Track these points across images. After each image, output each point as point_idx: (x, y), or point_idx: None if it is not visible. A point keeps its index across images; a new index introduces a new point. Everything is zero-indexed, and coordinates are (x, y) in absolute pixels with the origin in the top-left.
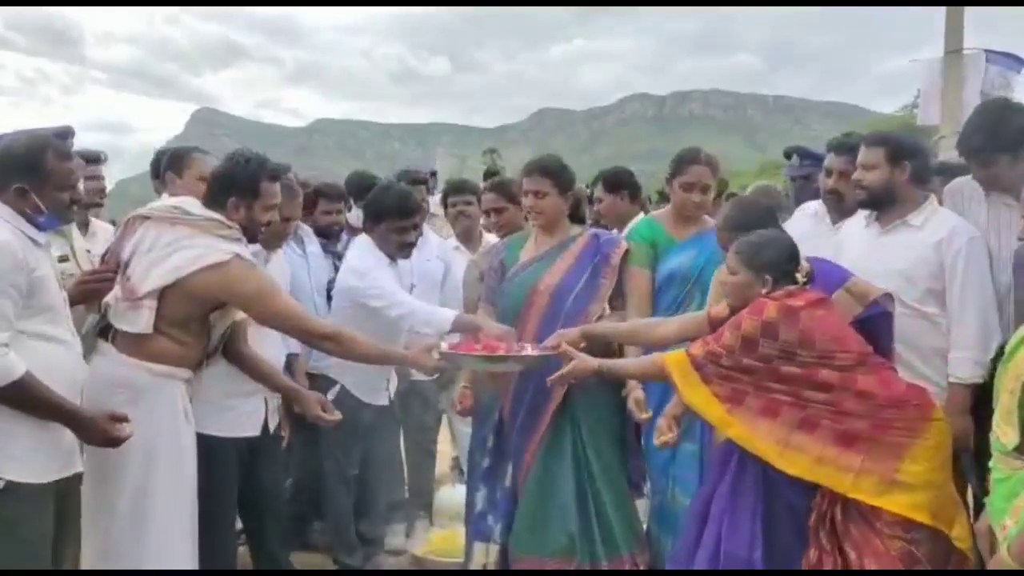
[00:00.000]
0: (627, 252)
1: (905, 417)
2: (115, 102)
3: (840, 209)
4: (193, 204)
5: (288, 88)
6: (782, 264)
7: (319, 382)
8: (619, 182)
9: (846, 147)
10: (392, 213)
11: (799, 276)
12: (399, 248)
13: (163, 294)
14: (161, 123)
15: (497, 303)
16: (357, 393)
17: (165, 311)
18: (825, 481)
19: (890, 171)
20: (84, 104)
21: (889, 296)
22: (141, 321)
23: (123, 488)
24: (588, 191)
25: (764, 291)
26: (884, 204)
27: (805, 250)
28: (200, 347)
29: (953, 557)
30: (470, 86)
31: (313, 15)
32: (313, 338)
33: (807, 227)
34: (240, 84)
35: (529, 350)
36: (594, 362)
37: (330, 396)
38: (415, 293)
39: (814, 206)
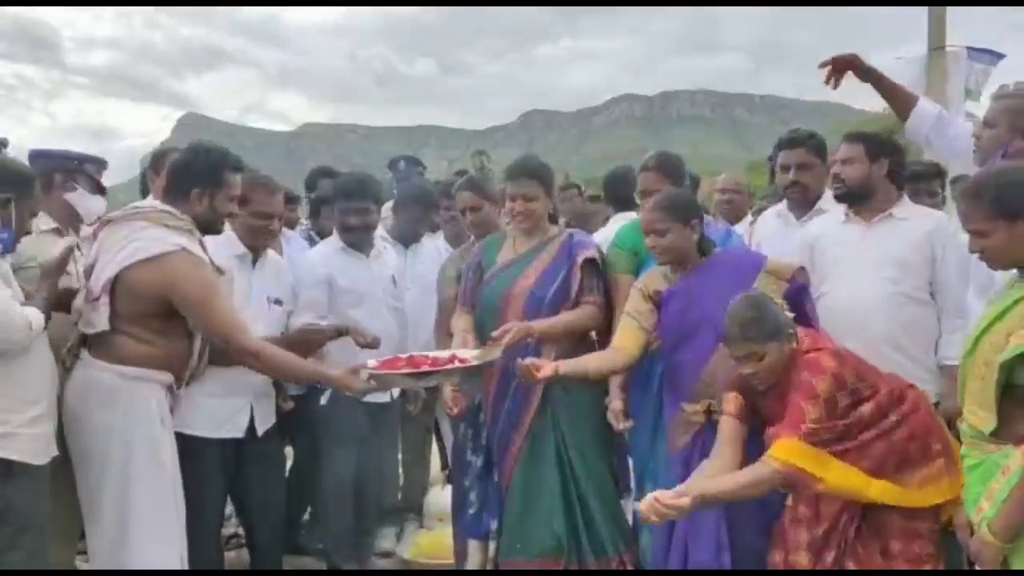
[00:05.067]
0: (603, 258)
1: (915, 406)
2: (98, 108)
3: (802, 202)
4: (146, 200)
5: (273, 92)
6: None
7: (311, 392)
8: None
9: (796, 141)
10: (338, 196)
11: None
12: (344, 231)
13: (113, 289)
14: (146, 128)
15: (476, 305)
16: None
17: (118, 307)
18: (919, 503)
19: (868, 166)
20: (66, 110)
21: (803, 270)
22: (99, 319)
23: (105, 498)
24: (581, 189)
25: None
26: (860, 198)
27: (773, 249)
28: (172, 347)
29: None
30: (457, 88)
31: (295, 17)
32: (237, 351)
33: (772, 227)
34: (224, 88)
35: (458, 359)
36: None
37: (323, 400)
38: (410, 297)
39: (776, 207)
